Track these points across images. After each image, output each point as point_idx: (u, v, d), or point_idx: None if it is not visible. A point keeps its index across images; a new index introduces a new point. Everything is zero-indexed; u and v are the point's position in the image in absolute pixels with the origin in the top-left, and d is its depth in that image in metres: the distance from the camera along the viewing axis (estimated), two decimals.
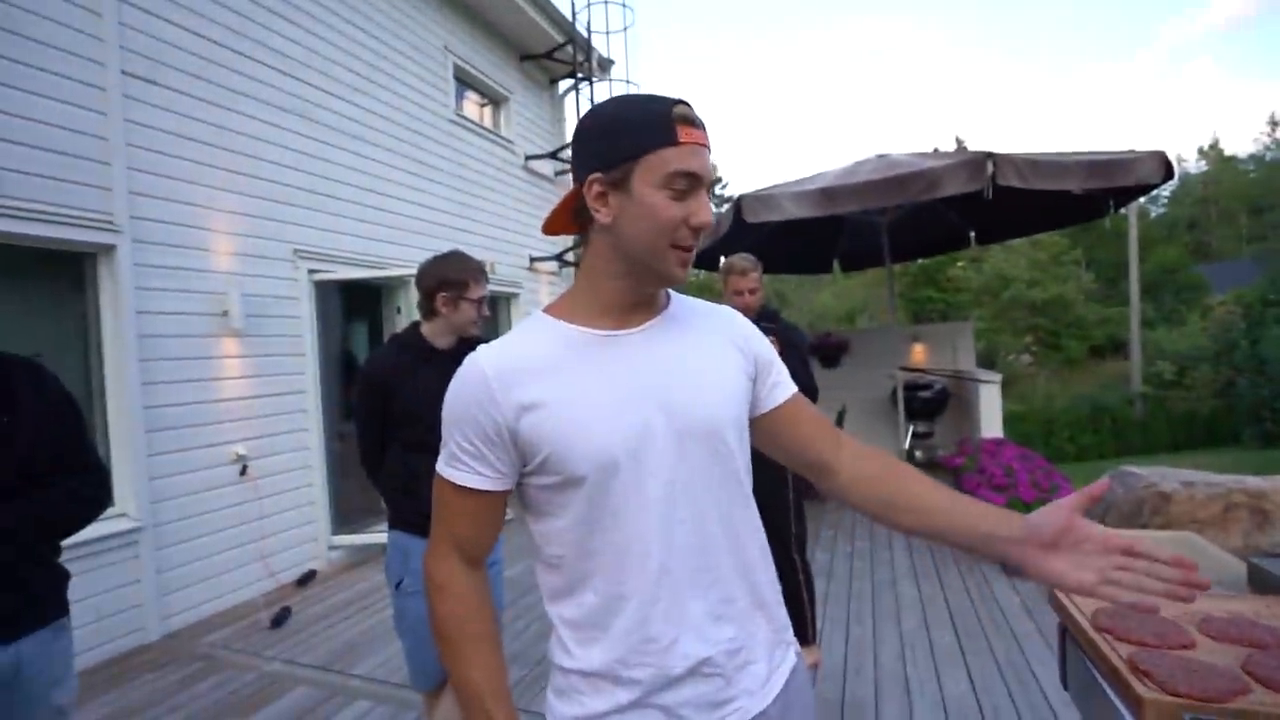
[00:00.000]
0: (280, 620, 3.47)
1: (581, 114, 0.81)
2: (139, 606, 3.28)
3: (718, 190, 34.14)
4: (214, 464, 3.72)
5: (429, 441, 1.70)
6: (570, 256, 8.34)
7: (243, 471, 3.85)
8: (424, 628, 1.75)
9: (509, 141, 7.19)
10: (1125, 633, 1.00)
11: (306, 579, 4.13)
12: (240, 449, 3.85)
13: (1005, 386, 6.52)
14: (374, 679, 2.84)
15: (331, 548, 4.43)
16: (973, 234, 6.40)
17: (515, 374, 0.79)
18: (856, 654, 2.85)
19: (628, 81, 8.55)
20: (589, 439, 0.77)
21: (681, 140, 0.75)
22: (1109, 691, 0.94)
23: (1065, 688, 1.20)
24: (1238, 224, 29.93)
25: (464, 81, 6.65)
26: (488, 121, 7.13)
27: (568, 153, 7.95)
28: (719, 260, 4.15)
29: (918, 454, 6.34)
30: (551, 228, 0.88)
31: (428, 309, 1.81)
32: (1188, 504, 4.46)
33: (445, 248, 6.25)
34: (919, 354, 6.68)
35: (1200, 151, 36.92)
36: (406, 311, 5.17)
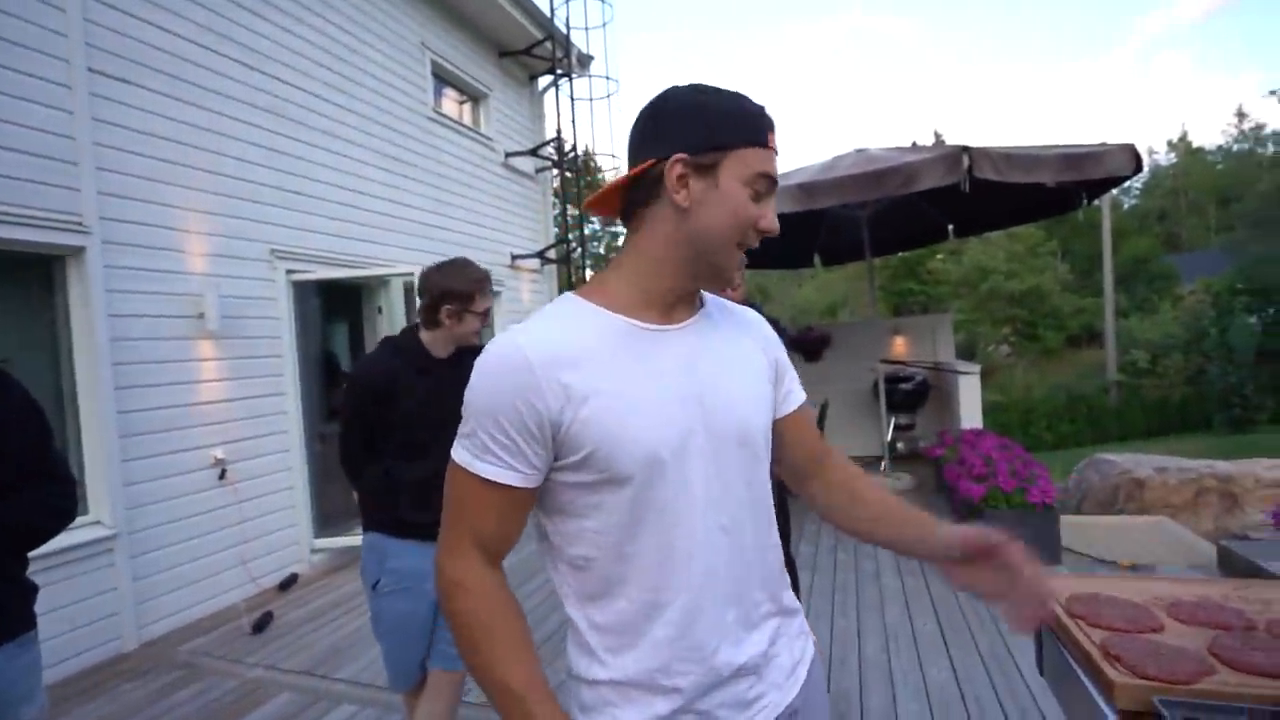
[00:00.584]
0: (262, 625, 3.43)
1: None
2: (115, 615, 3.22)
3: None
4: (192, 468, 3.66)
5: (420, 448, 1.71)
6: (552, 254, 8.32)
7: (222, 475, 3.80)
8: (403, 628, 1.75)
9: (488, 139, 7.14)
10: (1097, 618, 1.02)
11: (289, 583, 4.08)
12: (219, 452, 3.79)
13: (984, 377, 6.63)
14: (358, 682, 2.82)
15: (314, 551, 4.39)
16: (951, 227, 6.47)
17: (561, 363, 0.74)
18: (841, 645, 2.89)
19: (608, 78, 8.53)
20: (637, 437, 0.74)
21: (769, 144, 0.77)
22: (1082, 676, 0.96)
23: (1042, 674, 1.22)
24: (1206, 215, 30.60)
25: (442, 78, 6.58)
26: (466, 118, 7.07)
27: (548, 149, 7.93)
28: None
29: (899, 446, 6.42)
30: (597, 206, 0.85)
31: (430, 318, 1.75)
32: (1161, 490, 4.58)
33: (424, 246, 6.15)
34: (900, 346, 6.75)
35: (1169, 144, 37.66)
36: (387, 311, 5.11)
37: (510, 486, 0.76)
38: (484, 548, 0.78)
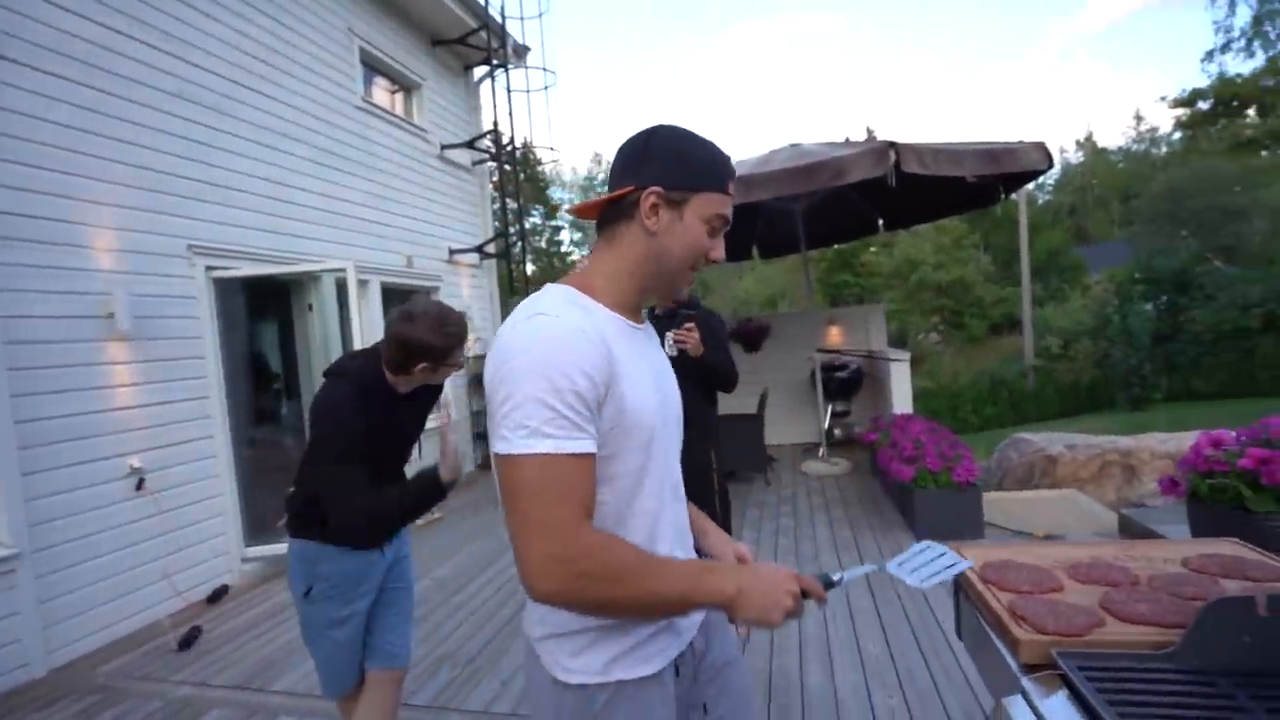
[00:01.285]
0: (189, 641, 3.26)
1: (649, 129, 0.93)
2: (18, 641, 2.99)
3: None
4: (105, 479, 3.43)
5: (373, 474, 1.63)
6: (491, 248, 8.18)
7: (139, 485, 3.57)
8: (339, 632, 1.70)
9: (422, 130, 6.94)
10: (1006, 583, 1.11)
11: (218, 595, 3.89)
12: (135, 461, 3.57)
13: (915, 364, 6.94)
14: (296, 693, 2.72)
15: (245, 560, 4.19)
16: (881, 221, 6.75)
17: (608, 345, 0.86)
18: (783, 627, 2.98)
19: (545, 69, 8.44)
20: (643, 417, 0.89)
21: (729, 192, 0.94)
22: (993, 636, 1.04)
23: (960, 638, 1.31)
24: (1111, 210, 32.84)
25: (372, 67, 6.35)
26: (399, 109, 6.85)
27: (485, 141, 7.76)
28: None
29: (836, 432, 6.65)
30: (583, 212, 0.97)
31: (400, 367, 1.63)
32: (1071, 465, 4.94)
33: (357, 240, 5.93)
34: (835, 336, 6.99)
35: (1078, 143, 40.21)
36: (319, 308, 4.92)
37: (593, 455, 0.83)
38: (591, 516, 0.84)
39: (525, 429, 0.79)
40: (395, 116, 6.50)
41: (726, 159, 0.94)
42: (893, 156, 4.00)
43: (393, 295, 6.26)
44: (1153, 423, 9.31)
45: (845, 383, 6.45)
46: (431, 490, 1.56)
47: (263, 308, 5.12)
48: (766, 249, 8.18)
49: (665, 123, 0.95)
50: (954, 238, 22.44)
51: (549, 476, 0.79)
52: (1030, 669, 0.93)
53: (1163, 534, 3.10)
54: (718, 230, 0.94)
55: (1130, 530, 3.52)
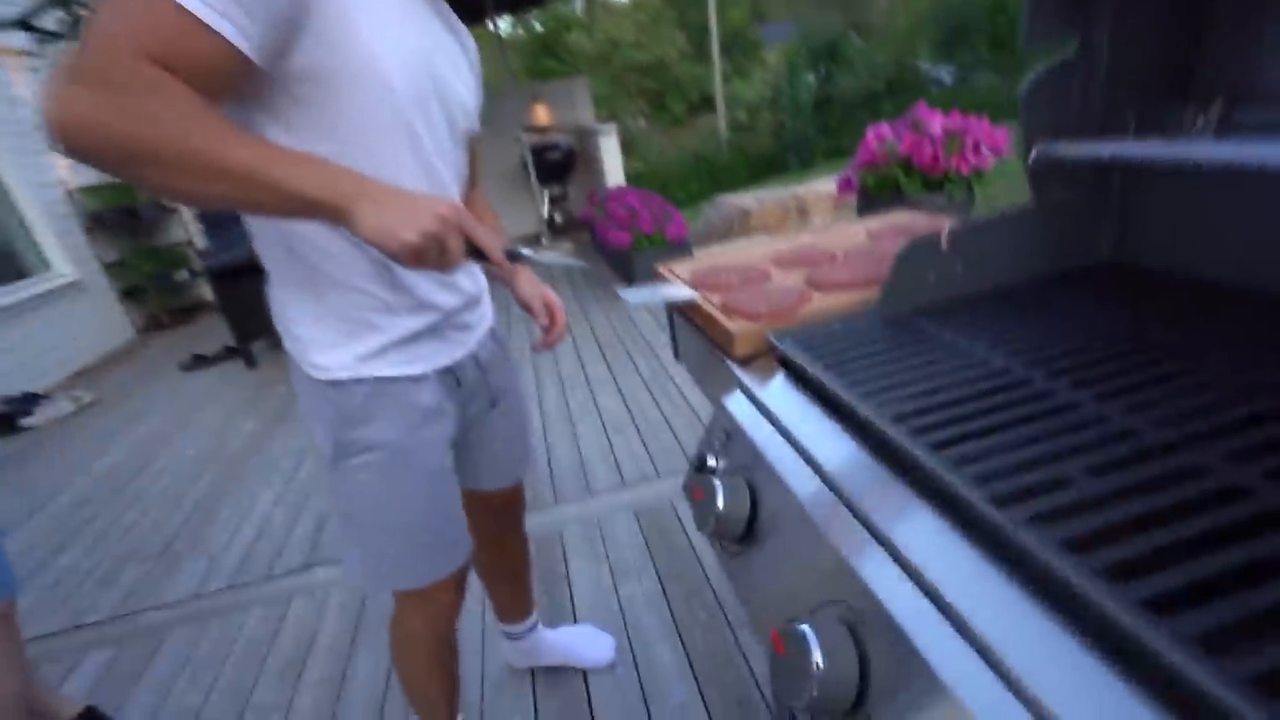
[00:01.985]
0: None
1: None
2: None
3: None
4: None
5: None
6: (52, 24, 5.63)
7: None
8: None
9: None
10: (716, 282, 1.01)
11: None
12: None
13: (626, 149, 6.88)
14: None
15: None
16: None
17: None
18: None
19: None
20: (381, 67, 0.75)
21: None
22: (710, 341, 0.94)
23: (677, 358, 1.24)
24: None
25: None
26: None
27: None
28: None
29: (556, 218, 6.50)
30: None
31: None
32: (761, 215, 5.53)
33: None
34: (542, 115, 6.50)
35: None
36: None
37: (229, 50, 0.63)
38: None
39: None
40: None
41: None
42: None
43: None
44: (818, 174, 10.94)
45: (558, 164, 6.17)
46: None
47: None
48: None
49: None
50: (652, 16, 22.09)
51: (147, 11, 0.59)
52: (748, 361, 0.84)
53: None
54: None
55: None
